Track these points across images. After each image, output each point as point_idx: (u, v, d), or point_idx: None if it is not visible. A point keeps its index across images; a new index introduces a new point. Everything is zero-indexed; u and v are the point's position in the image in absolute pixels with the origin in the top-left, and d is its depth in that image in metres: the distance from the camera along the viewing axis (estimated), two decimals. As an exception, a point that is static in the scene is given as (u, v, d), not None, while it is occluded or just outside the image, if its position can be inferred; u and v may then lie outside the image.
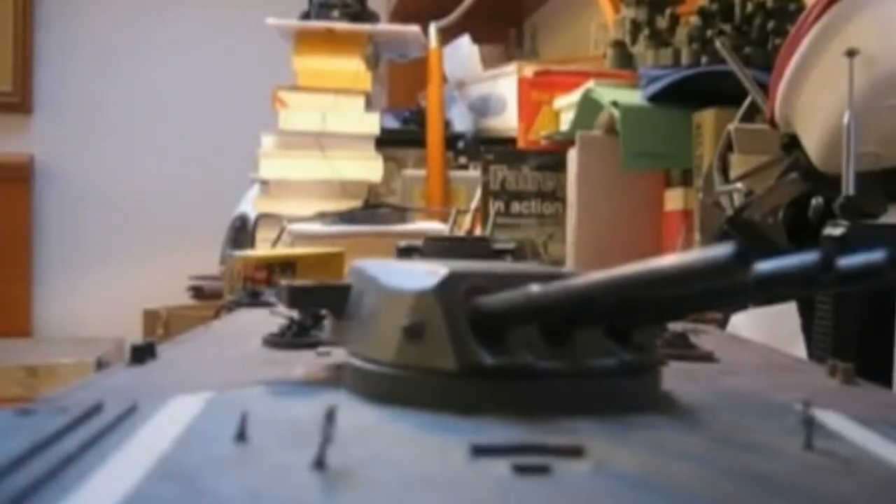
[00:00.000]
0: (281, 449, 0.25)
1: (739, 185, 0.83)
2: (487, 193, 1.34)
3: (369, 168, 1.65)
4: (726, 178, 0.88)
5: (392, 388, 0.31)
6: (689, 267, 0.23)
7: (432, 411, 0.29)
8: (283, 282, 0.38)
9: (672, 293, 0.27)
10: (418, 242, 0.75)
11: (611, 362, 0.31)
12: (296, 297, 0.37)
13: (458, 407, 0.29)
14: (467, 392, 0.30)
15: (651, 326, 0.33)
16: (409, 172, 1.75)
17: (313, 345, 0.46)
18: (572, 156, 1.21)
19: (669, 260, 0.24)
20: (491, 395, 0.29)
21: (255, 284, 0.94)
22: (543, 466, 0.23)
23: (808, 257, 0.24)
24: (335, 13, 1.79)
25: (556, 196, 1.32)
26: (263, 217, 1.57)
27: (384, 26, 1.89)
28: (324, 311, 0.53)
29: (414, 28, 1.78)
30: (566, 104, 1.31)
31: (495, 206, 1.31)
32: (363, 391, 0.32)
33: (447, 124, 1.82)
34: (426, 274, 0.31)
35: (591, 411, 0.29)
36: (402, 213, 1.56)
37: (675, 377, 0.37)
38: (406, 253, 0.65)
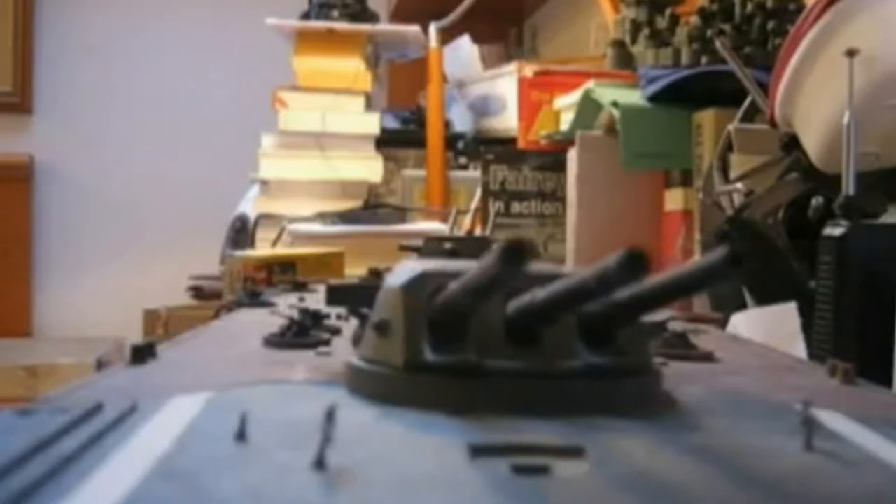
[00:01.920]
0: (281, 449, 0.25)
1: (739, 185, 0.83)
2: (487, 193, 1.34)
3: (369, 168, 1.65)
4: (726, 178, 0.88)
5: (365, 384, 0.32)
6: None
7: (430, 411, 0.29)
8: (320, 281, 0.40)
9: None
10: (418, 242, 0.75)
11: (573, 364, 0.30)
12: (334, 296, 0.38)
13: (405, 402, 0.30)
14: (413, 388, 0.30)
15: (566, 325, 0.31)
16: (409, 172, 1.75)
17: (313, 345, 0.46)
18: (572, 156, 1.21)
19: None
20: (434, 391, 0.30)
21: (255, 284, 0.94)
22: (543, 467, 0.23)
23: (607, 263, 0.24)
24: (335, 13, 1.79)
25: (556, 196, 1.32)
26: (263, 217, 1.58)
27: (384, 26, 1.89)
28: (325, 311, 0.53)
29: (414, 28, 1.78)
30: (566, 104, 1.31)
31: (495, 206, 1.31)
32: (353, 388, 0.33)
33: (447, 124, 1.82)
34: (406, 272, 0.32)
35: (546, 413, 0.29)
36: (402, 213, 1.56)
37: (675, 377, 0.37)
38: (452, 254, 0.66)
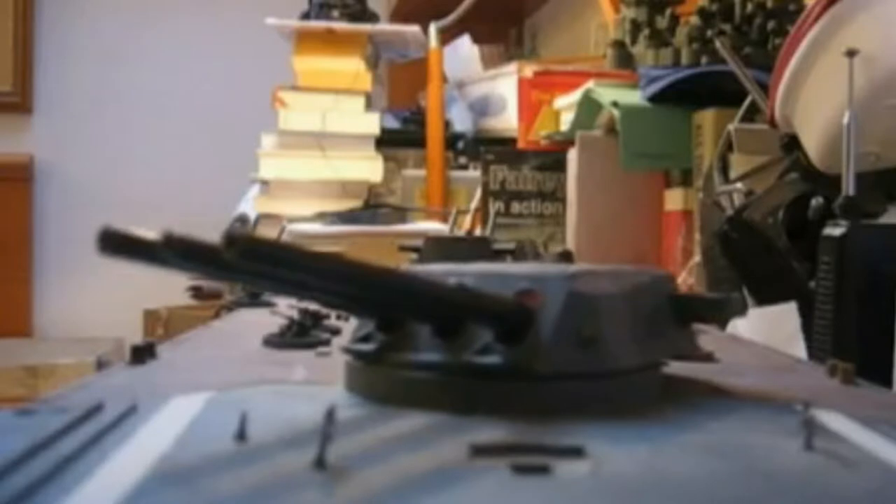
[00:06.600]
0: (281, 449, 0.25)
1: (739, 185, 0.83)
2: (487, 193, 1.33)
3: (369, 168, 1.65)
4: (726, 178, 0.88)
5: (362, 383, 0.33)
6: None
7: (429, 410, 0.29)
8: None
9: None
10: (418, 242, 0.76)
11: (470, 361, 0.30)
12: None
13: (395, 398, 0.32)
14: (351, 374, 0.33)
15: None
16: (409, 172, 1.75)
17: (313, 345, 0.46)
18: (572, 156, 1.21)
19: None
20: (356, 376, 0.33)
21: (255, 284, 0.94)
22: (543, 466, 0.23)
23: None
24: (335, 13, 1.79)
25: (556, 196, 1.32)
26: (263, 217, 1.57)
27: (384, 26, 1.89)
28: (325, 311, 0.53)
29: (414, 28, 1.78)
30: (566, 104, 1.31)
31: (495, 206, 1.31)
32: (351, 388, 0.33)
33: (447, 124, 1.82)
34: None
35: (434, 407, 0.29)
36: (402, 213, 1.56)
37: (675, 377, 0.37)
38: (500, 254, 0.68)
